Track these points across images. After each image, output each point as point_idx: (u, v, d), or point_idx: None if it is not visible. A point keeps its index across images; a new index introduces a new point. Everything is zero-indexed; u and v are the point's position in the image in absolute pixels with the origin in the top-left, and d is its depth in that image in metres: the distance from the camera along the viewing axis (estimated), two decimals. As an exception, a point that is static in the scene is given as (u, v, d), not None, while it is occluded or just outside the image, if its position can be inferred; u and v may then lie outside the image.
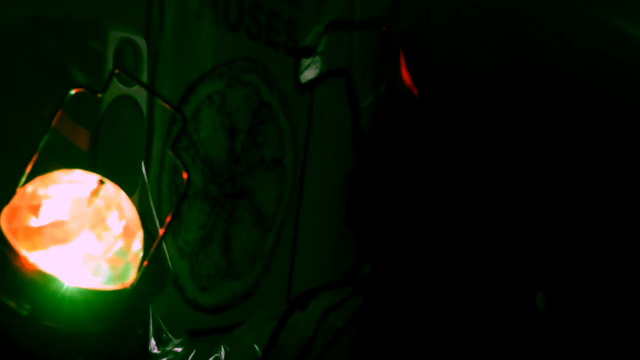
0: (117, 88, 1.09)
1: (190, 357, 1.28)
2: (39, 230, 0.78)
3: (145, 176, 1.19)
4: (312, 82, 1.05)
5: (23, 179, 0.81)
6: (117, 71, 0.88)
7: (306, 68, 1.04)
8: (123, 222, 0.81)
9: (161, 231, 0.81)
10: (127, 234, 0.81)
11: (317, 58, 1.03)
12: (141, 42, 1.15)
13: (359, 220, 1.00)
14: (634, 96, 0.86)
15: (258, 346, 1.24)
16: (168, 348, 1.27)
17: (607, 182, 0.87)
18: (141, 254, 0.83)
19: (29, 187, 0.80)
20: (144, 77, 1.17)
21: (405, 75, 0.90)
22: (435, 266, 0.92)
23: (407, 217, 0.94)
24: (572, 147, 0.87)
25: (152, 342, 1.22)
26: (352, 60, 1.01)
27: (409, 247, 0.94)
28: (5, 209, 0.80)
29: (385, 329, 0.99)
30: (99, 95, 0.91)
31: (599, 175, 0.87)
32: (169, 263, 1.23)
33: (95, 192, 0.81)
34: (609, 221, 0.88)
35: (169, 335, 1.28)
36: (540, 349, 0.89)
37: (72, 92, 0.83)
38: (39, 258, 0.77)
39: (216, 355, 1.29)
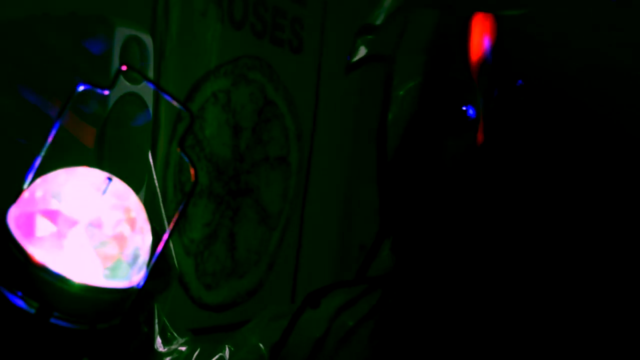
0: (124, 85, 1.09)
1: (194, 356, 1.28)
2: (49, 231, 0.77)
3: (154, 173, 1.19)
4: (357, 63, 1.04)
5: (29, 177, 0.81)
6: (124, 68, 0.88)
7: (359, 47, 1.03)
8: (130, 220, 0.81)
9: (168, 228, 0.81)
10: (135, 232, 0.81)
11: (371, 38, 1.02)
12: (147, 40, 1.14)
13: (390, 213, 1.00)
14: (634, 96, 0.86)
15: (263, 345, 1.23)
16: (173, 347, 1.27)
17: (607, 182, 0.87)
18: (148, 253, 0.83)
19: (37, 188, 0.80)
20: (150, 75, 1.17)
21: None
22: (465, 266, 0.92)
23: (437, 215, 0.94)
24: (571, 147, 0.87)
25: (158, 340, 1.22)
26: (401, 44, 0.99)
27: (439, 246, 0.94)
28: (12, 208, 0.79)
29: (408, 327, 0.98)
30: (106, 92, 0.90)
31: (598, 175, 0.87)
32: (175, 261, 1.23)
33: (102, 190, 0.80)
34: (608, 221, 0.88)
35: (174, 333, 1.28)
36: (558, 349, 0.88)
37: (79, 89, 0.83)
38: (46, 256, 0.76)
39: (220, 354, 1.29)
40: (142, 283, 0.81)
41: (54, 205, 0.78)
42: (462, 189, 0.92)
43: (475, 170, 0.91)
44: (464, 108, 0.92)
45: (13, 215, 0.79)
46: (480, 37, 0.91)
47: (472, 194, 0.91)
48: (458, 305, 0.93)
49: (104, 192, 0.81)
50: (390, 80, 1.01)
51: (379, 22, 1.01)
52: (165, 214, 1.22)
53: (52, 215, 0.78)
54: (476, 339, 0.92)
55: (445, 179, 0.94)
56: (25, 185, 0.81)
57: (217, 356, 1.27)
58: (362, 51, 1.02)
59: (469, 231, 0.92)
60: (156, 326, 1.20)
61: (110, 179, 0.82)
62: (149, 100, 1.15)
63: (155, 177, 1.21)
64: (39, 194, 0.79)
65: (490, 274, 0.91)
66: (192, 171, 0.80)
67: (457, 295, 0.93)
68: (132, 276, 0.81)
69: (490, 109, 0.90)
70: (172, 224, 0.81)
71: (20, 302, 0.76)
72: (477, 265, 0.92)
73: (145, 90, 1.13)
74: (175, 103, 0.82)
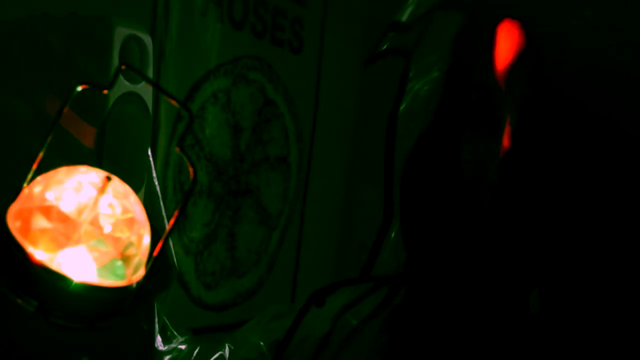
0: (123, 85, 1.09)
1: (194, 355, 1.28)
2: (48, 230, 0.77)
3: (154, 172, 1.19)
4: (376, 56, 1.04)
5: (29, 176, 0.81)
6: (123, 68, 0.88)
7: (380, 42, 1.03)
8: (130, 219, 0.81)
9: (168, 227, 0.81)
10: (134, 231, 0.81)
11: (393, 34, 1.03)
12: (147, 39, 1.14)
13: (409, 215, 1.00)
14: (634, 96, 0.86)
15: (264, 344, 1.23)
16: (173, 345, 1.27)
17: (607, 182, 0.87)
18: (147, 251, 0.83)
19: (37, 188, 0.80)
20: (150, 74, 1.17)
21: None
22: (478, 265, 0.92)
23: (450, 213, 0.95)
24: (571, 146, 0.87)
25: (158, 339, 1.22)
26: (421, 42, 1.00)
27: (452, 243, 0.94)
28: (12, 207, 0.79)
29: (420, 323, 0.98)
30: (105, 92, 0.90)
31: (598, 175, 0.88)
32: (175, 260, 1.23)
33: (102, 189, 0.81)
34: (607, 221, 0.88)
35: (174, 332, 1.28)
36: (549, 351, 0.89)
37: (79, 88, 0.83)
38: (45, 255, 0.77)
39: (220, 352, 1.29)
40: (141, 282, 0.81)
41: (53, 204, 0.79)
42: (476, 191, 0.92)
43: (494, 173, 0.91)
44: (486, 112, 0.92)
45: (12, 215, 0.79)
46: (507, 45, 0.91)
47: (487, 196, 0.91)
48: (470, 303, 0.94)
49: (104, 191, 0.81)
50: (406, 73, 1.02)
51: (403, 19, 1.02)
52: (165, 213, 1.23)
53: (51, 215, 0.78)
54: (487, 336, 0.92)
55: (460, 180, 0.94)
56: (25, 184, 0.81)
57: (217, 355, 1.27)
58: (382, 45, 1.03)
59: (481, 230, 0.92)
60: (156, 325, 1.21)
61: (109, 178, 0.82)
62: (149, 100, 1.15)
63: (155, 176, 1.21)
64: (38, 193, 0.80)
65: (503, 274, 0.91)
66: (190, 171, 0.80)
67: (470, 294, 0.94)
68: (132, 275, 0.81)
69: (520, 114, 0.90)
70: (171, 223, 0.81)
71: (19, 301, 0.77)
72: (490, 265, 0.92)
73: (145, 89, 1.13)
74: (174, 102, 0.83)
